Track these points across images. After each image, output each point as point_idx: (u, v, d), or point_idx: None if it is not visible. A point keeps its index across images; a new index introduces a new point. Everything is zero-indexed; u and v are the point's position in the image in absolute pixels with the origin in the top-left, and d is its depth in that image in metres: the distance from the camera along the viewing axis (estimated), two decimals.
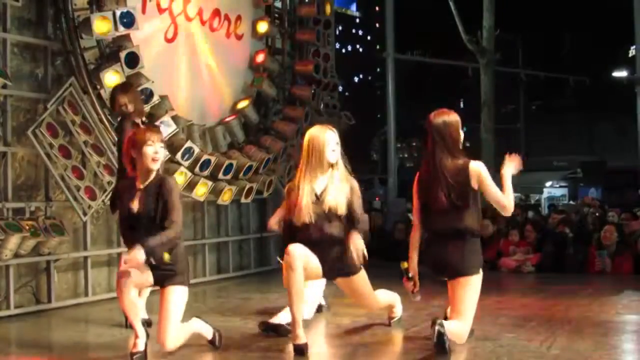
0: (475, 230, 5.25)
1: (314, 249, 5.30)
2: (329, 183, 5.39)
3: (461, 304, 5.24)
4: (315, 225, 5.31)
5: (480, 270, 5.31)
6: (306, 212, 5.33)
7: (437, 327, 4.85)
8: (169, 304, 5.07)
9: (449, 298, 5.33)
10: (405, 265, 5.40)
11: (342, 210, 5.33)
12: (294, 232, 5.42)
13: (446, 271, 5.29)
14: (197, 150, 8.50)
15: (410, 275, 5.40)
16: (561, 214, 12.35)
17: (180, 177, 8.22)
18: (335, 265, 5.41)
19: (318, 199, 5.36)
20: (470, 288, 5.23)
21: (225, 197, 9.07)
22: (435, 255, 5.28)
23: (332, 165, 5.42)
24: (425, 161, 5.36)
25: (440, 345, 4.85)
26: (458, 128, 5.30)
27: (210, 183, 8.72)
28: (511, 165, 5.35)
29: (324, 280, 6.24)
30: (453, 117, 5.30)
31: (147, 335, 5.13)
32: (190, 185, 8.52)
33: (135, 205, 5.03)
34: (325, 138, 5.41)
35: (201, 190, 8.64)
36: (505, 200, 5.19)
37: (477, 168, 5.19)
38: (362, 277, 5.58)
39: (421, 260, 5.40)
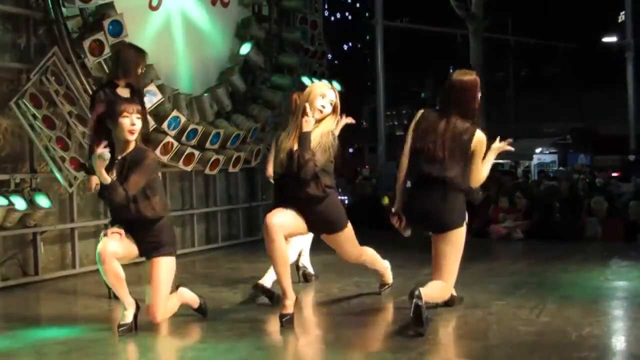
0: (461, 185, 5.21)
1: (295, 206, 5.24)
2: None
3: (442, 259, 5.22)
4: (292, 182, 5.20)
5: (464, 225, 5.28)
6: (277, 166, 5.28)
7: (414, 300, 4.75)
8: (156, 275, 5.04)
9: (432, 256, 5.27)
10: (386, 200, 5.39)
11: (318, 166, 5.14)
12: (277, 188, 5.42)
13: (429, 222, 5.25)
14: (183, 119, 8.42)
15: (393, 210, 5.35)
16: (553, 181, 12.37)
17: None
18: (318, 223, 5.35)
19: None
20: (452, 242, 5.21)
21: (213, 167, 9.03)
22: (419, 206, 5.23)
23: (318, 121, 5.27)
24: (438, 113, 5.29)
25: (417, 318, 4.77)
26: (475, 91, 5.29)
27: (197, 152, 8.65)
28: (496, 151, 5.37)
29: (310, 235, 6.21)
30: (473, 80, 5.29)
31: (137, 307, 5.10)
32: (177, 155, 8.45)
33: (112, 176, 4.96)
34: (316, 94, 5.27)
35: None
36: (481, 176, 5.27)
37: (481, 138, 5.19)
38: (346, 234, 5.46)
39: (405, 211, 5.34)
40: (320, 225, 5.36)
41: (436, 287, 5.17)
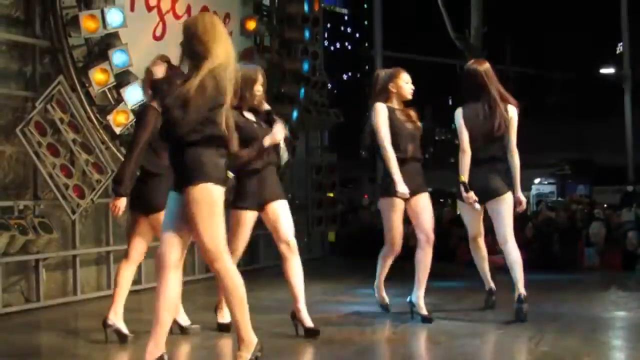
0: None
1: None
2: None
3: (507, 218, 6.24)
4: None
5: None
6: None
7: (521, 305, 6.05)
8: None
9: (491, 218, 6.29)
10: (462, 178, 6.09)
11: None
12: None
13: (491, 192, 6.19)
14: None
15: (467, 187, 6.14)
16: (551, 211, 12.42)
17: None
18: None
19: None
20: (509, 203, 6.23)
21: None
22: (482, 180, 6.16)
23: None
24: (476, 99, 6.21)
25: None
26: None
27: None
28: None
29: None
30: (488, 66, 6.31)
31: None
32: None
33: None
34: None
35: None
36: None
37: (515, 112, 6.27)
38: None
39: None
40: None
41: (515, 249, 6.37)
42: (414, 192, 6.07)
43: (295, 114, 10.53)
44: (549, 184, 29.45)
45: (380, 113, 6.11)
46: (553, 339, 5.61)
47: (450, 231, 11.12)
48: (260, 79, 5.65)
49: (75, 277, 7.82)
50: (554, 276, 9.27)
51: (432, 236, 6.14)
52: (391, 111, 6.16)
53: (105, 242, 8.18)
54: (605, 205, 14.61)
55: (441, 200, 19.92)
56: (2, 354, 5.66)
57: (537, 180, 29.02)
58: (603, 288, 8.26)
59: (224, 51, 4.27)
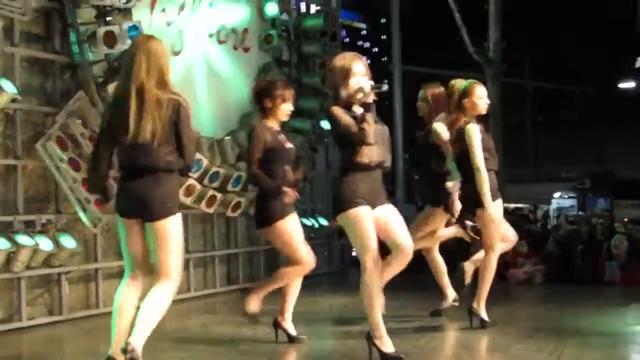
0: None
1: None
2: None
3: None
4: None
5: None
6: None
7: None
8: None
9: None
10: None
11: None
12: None
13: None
14: (205, 162, 8.54)
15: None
16: (572, 225, 12.39)
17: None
18: None
19: None
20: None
21: (235, 209, 9.13)
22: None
23: None
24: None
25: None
26: None
27: (219, 195, 8.76)
28: None
29: None
30: None
31: None
32: (200, 197, 8.56)
33: None
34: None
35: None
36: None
37: None
38: None
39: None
40: None
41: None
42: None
43: (314, 127, 10.55)
44: (569, 197, 29.34)
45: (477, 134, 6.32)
46: (573, 353, 5.59)
47: None
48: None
49: (98, 290, 7.85)
50: (574, 289, 9.23)
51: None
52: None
53: None
54: (626, 219, 14.53)
55: None
56: None
57: (557, 194, 28.92)
58: (624, 302, 8.22)
59: None
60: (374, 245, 4.98)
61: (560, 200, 28.95)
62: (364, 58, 5.10)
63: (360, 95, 4.94)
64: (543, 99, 34.35)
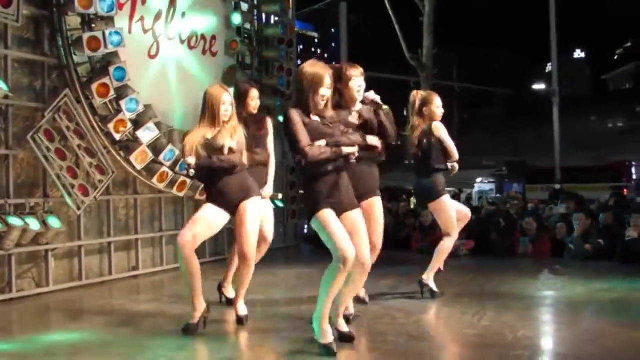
0: None
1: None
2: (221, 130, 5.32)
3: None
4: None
5: None
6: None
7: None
8: None
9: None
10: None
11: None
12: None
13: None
14: (177, 152, 8.41)
15: None
16: (492, 206, 12.55)
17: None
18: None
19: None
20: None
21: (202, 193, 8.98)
22: None
23: (224, 122, 5.34)
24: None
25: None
26: None
27: (189, 181, 8.64)
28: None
29: None
30: None
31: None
32: (172, 183, 8.45)
33: None
34: (222, 99, 5.33)
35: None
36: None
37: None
38: None
39: None
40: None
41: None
42: None
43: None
44: (489, 182, 29.72)
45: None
46: (493, 315, 5.64)
47: (405, 222, 11.13)
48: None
49: (81, 265, 7.71)
50: (493, 262, 9.32)
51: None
52: None
53: (106, 234, 8.08)
54: (537, 201, 14.76)
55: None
56: (16, 333, 5.59)
57: (478, 180, 29.27)
58: (535, 271, 8.32)
59: None
60: (347, 244, 4.28)
61: (482, 184, 29.31)
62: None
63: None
64: (468, 98, 34.72)
